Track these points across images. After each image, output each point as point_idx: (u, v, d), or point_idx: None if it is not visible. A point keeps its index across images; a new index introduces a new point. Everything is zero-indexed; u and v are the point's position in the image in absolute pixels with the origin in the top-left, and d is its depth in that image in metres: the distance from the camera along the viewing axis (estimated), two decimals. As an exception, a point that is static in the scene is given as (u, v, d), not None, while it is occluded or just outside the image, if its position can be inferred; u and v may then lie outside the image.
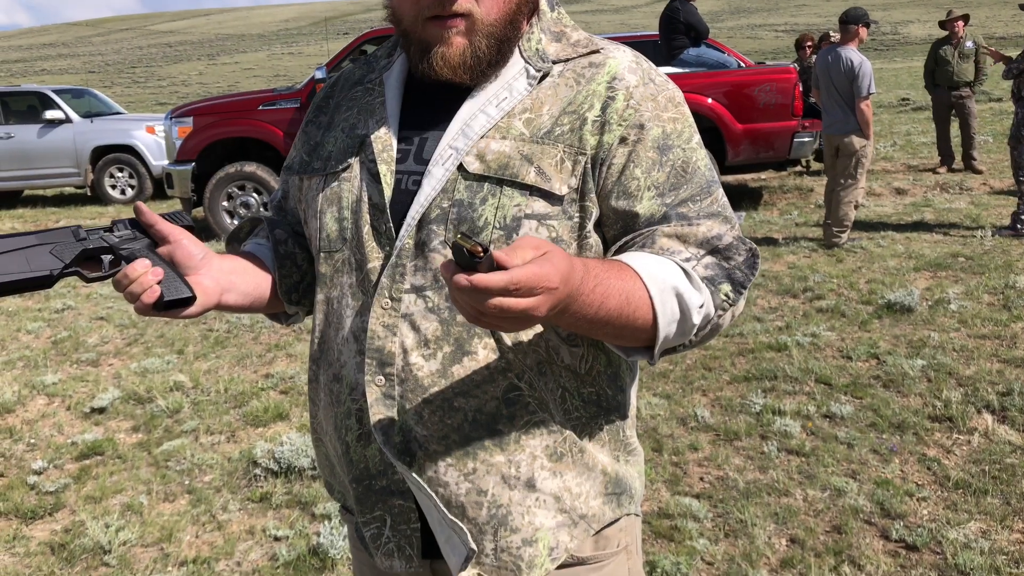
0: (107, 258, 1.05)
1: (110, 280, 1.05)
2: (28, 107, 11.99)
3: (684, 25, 8.48)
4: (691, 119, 1.11)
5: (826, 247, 6.40)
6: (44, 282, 1.02)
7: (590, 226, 1.06)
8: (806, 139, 7.87)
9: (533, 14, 1.14)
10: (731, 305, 1.03)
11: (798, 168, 9.87)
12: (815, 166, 10.10)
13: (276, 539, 2.89)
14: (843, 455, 3.25)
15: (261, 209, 8.08)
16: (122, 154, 11.61)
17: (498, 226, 1.03)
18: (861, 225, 6.94)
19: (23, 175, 11.76)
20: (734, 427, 3.53)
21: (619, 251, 1.05)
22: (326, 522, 2.91)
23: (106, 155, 11.62)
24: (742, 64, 9.17)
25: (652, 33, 10.22)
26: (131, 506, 3.17)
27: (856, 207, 6.48)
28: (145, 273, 1.01)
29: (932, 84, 9.64)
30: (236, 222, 8.00)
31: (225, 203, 8.14)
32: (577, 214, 1.05)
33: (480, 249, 0.79)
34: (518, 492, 1.07)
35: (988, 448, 3.24)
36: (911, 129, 12.94)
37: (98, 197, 11.67)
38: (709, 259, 1.03)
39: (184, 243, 1.08)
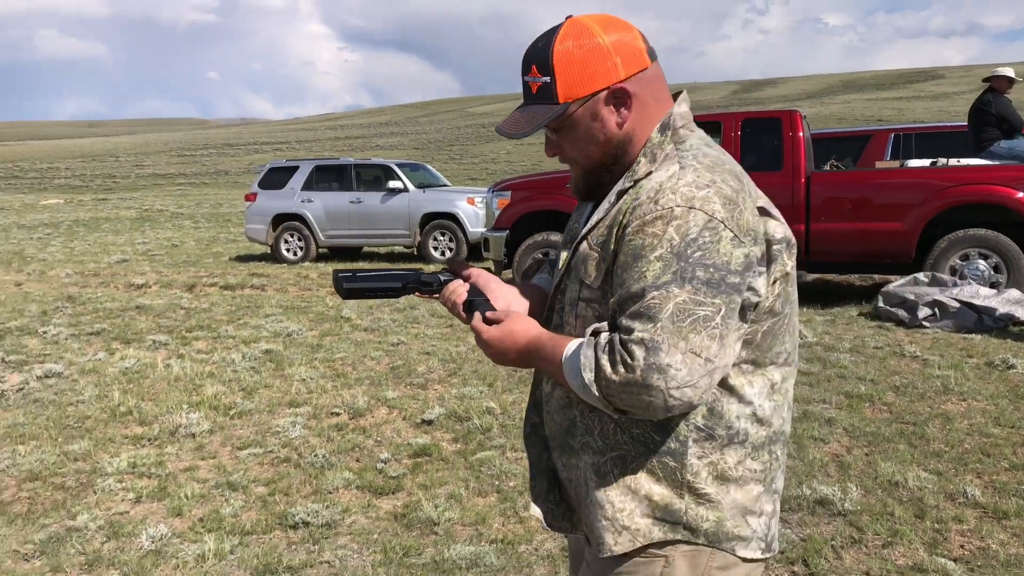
0: (435, 285, 1.68)
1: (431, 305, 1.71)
2: (375, 177, 14.11)
3: (996, 117, 8.31)
4: (680, 244, 1.29)
5: None
6: (394, 293, 1.69)
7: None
8: None
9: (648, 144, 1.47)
10: (606, 376, 1.33)
11: None
12: None
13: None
14: (1121, 547, 3.23)
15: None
16: (446, 221, 13.26)
17: (569, 303, 1.50)
18: None
19: (366, 234, 13.81)
20: (1004, 507, 3.60)
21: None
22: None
23: (432, 221, 13.34)
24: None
25: (962, 124, 9.99)
26: (453, 495, 3.92)
27: None
28: (456, 288, 1.62)
29: None
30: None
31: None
32: (607, 299, 1.40)
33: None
34: (583, 489, 1.51)
35: None
36: None
37: (422, 256, 13.38)
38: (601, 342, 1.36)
39: (483, 277, 1.65)
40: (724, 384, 1.41)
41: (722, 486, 1.43)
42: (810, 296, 8.92)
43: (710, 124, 9.39)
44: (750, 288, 1.35)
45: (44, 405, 5.48)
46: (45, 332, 7.81)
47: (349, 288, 1.66)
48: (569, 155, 1.51)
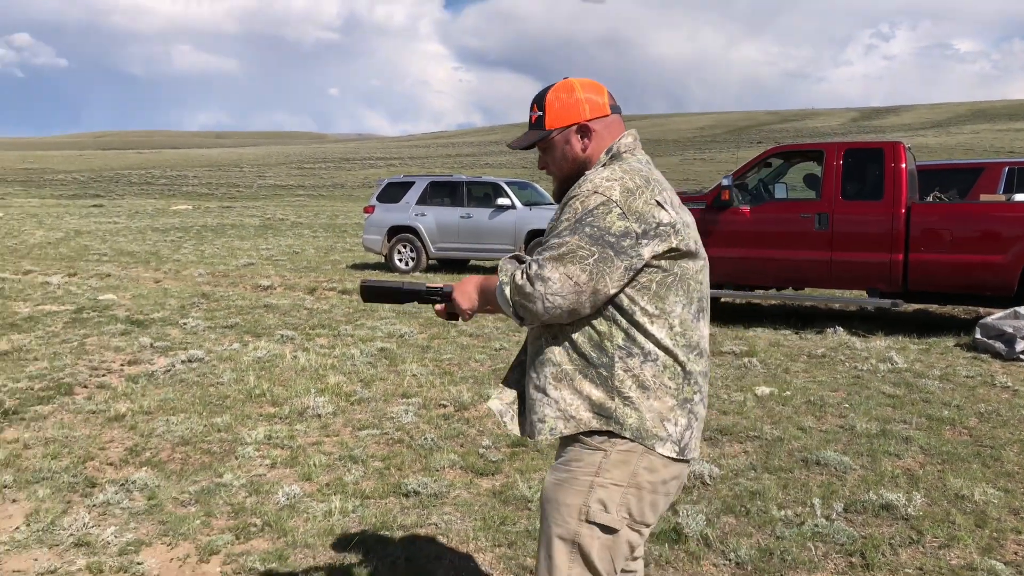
0: (436, 298, 2.25)
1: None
2: (484, 194, 14.75)
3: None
4: (581, 213, 1.94)
5: None
6: (399, 303, 2.29)
7: None
8: None
9: (605, 158, 2.12)
10: (513, 285, 1.98)
11: None
12: None
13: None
14: None
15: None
16: (550, 237, 13.76)
17: None
18: None
19: (473, 248, 14.47)
20: (1065, 523, 3.80)
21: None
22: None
23: (537, 237, 13.84)
24: None
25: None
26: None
27: None
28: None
29: None
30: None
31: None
32: None
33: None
34: (539, 394, 2.07)
35: None
36: None
37: (526, 271, 13.91)
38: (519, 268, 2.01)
39: None
40: (634, 321, 1.98)
41: (643, 393, 2.00)
42: (907, 325, 8.99)
43: (813, 153, 9.59)
44: (637, 254, 1.94)
45: (189, 385, 6.22)
46: (185, 324, 8.68)
47: (367, 299, 2.33)
48: (550, 169, 2.17)
